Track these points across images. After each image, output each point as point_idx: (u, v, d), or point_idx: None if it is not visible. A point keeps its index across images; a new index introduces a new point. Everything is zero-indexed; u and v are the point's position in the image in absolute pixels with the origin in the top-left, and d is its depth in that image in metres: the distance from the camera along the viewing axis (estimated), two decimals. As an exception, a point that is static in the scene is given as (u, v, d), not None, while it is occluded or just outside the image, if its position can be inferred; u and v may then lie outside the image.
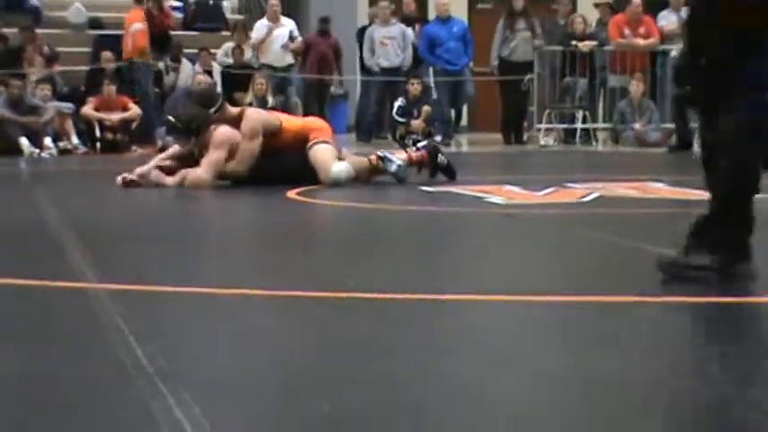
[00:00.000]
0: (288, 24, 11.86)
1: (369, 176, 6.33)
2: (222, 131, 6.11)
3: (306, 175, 6.09)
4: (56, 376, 1.89)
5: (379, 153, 6.45)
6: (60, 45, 12.13)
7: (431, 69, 11.98)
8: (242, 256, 2.91)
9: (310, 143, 6.23)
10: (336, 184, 6.04)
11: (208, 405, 1.66)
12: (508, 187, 5.80)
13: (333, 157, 6.27)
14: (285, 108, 11.20)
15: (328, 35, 12.49)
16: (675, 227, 4.41)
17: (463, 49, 11.76)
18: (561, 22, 12.15)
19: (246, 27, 12.57)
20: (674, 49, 10.75)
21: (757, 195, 2.84)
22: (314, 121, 6.77)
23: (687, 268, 2.71)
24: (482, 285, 2.80)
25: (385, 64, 11.93)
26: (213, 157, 6.03)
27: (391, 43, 11.92)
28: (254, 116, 6.32)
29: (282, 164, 6.16)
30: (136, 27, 11.26)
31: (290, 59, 11.92)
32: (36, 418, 1.63)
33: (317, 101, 12.46)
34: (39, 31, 12.06)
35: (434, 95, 11.80)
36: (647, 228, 4.29)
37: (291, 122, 6.54)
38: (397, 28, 11.94)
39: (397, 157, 6.33)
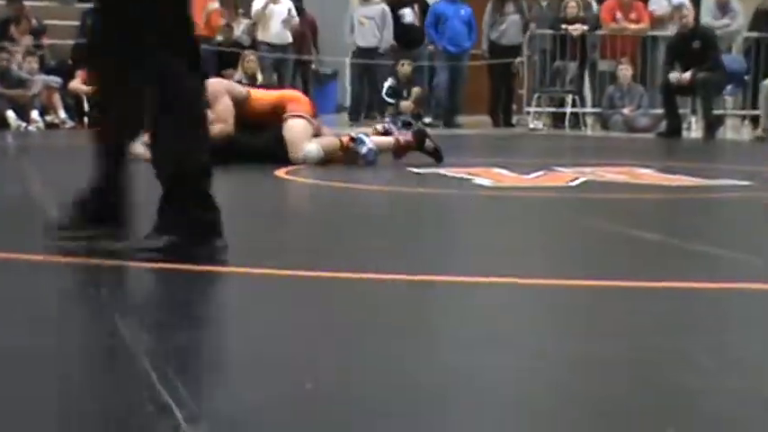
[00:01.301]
0: (286, 2, 11.80)
1: (343, 158, 6.25)
2: (212, 86, 6.10)
3: (276, 151, 5.99)
4: (37, 352, 1.88)
5: (353, 134, 6.37)
6: (48, 18, 12.06)
7: (427, 54, 11.96)
8: (229, 234, 2.90)
9: (288, 115, 6.09)
10: (305, 163, 6.01)
11: (192, 382, 1.65)
12: (497, 170, 5.81)
13: (306, 134, 6.13)
14: (279, 87, 11.18)
15: (303, 13, 12.44)
16: (663, 212, 4.44)
17: (467, 33, 11.74)
18: (543, 3, 12.15)
19: (237, 4, 12.52)
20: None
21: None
22: (291, 93, 6.59)
23: (140, 251, 2.70)
24: (469, 267, 2.81)
25: (361, 43, 11.89)
26: (220, 107, 5.98)
27: (369, 23, 11.88)
28: (213, 82, 6.28)
29: (266, 138, 6.08)
30: (213, 7, 11.44)
31: (289, 38, 11.87)
32: (15, 393, 1.62)
33: (301, 80, 12.44)
34: (26, 3, 11.99)
35: (435, 80, 11.76)
36: (634, 213, 4.30)
37: (264, 94, 6.37)
38: (378, 8, 11.88)
39: (371, 140, 6.26)
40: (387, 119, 6.61)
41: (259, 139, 6.08)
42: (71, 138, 9.36)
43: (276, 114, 6.13)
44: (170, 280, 2.63)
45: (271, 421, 1.50)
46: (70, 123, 10.52)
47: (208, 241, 2.75)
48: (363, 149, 6.18)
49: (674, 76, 10.13)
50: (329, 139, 6.29)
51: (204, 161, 2.78)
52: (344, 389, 1.66)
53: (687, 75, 10.03)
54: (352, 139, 6.23)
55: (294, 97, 6.37)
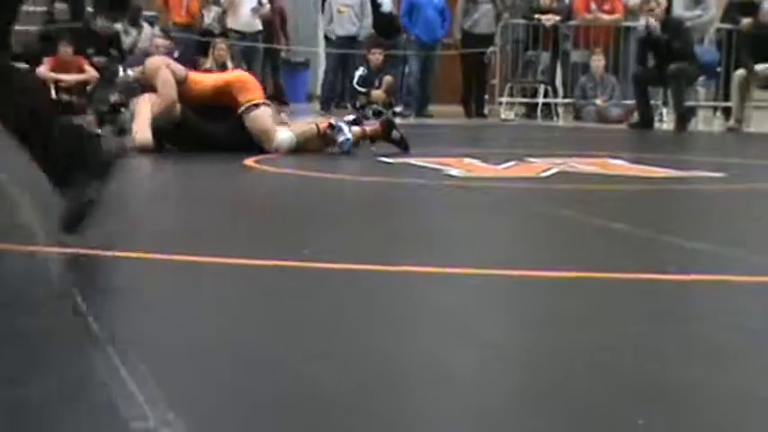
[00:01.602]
0: None
1: (318, 145, 6.22)
2: (151, 62, 6.08)
3: (243, 140, 5.92)
4: (2, 338, 1.86)
5: (332, 121, 6.30)
6: (15, 3, 11.93)
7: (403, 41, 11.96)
8: (197, 223, 2.89)
9: (245, 107, 5.99)
10: (278, 152, 5.97)
11: (157, 370, 1.64)
12: (468, 160, 5.81)
13: (273, 122, 6.09)
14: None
15: (273, 0, 12.40)
16: (634, 204, 4.45)
17: (440, 22, 11.74)
18: None
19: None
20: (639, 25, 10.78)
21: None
22: (236, 78, 6.30)
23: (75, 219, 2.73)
24: (439, 258, 2.80)
25: (340, 32, 11.85)
26: (160, 80, 5.92)
27: (348, 11, 11.84)
28: (152, 58, 6.27)
29: (227, 127, 6.03)
30: None
31: (259, 26, 11.82)
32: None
33: (271, 68, 12.39)
34: (-8, -12, 11.87)
35: (408, 69, 11.77)
36: (605, 204, 4.32)
37: (204, 78, 6.28)
38: None
39: (350, 130, 6.22)
40: (344, 119, 6.53)
41: (219, 128, 6.02)
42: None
43: (220, 99, 6.01)
44: (125, 267, 2.61)
45: (241, 412, 1.49)
46: (37, 110, 10.45)
47: (107, 151, 2.75)
48: (340, 138, 6.15)
49: (648, 23, 10.16)
50: (305, 126, 6.25)
51: (44, 100, 2.79)
52: (305, 381, 1.65)
53: (657, 24, 10.03)
54: (331, 126, 6.18)
55: (242, 83, 6.14)
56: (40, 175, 2.85)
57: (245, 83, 6.18)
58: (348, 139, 6.15)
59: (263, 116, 6.06)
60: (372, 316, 2.12)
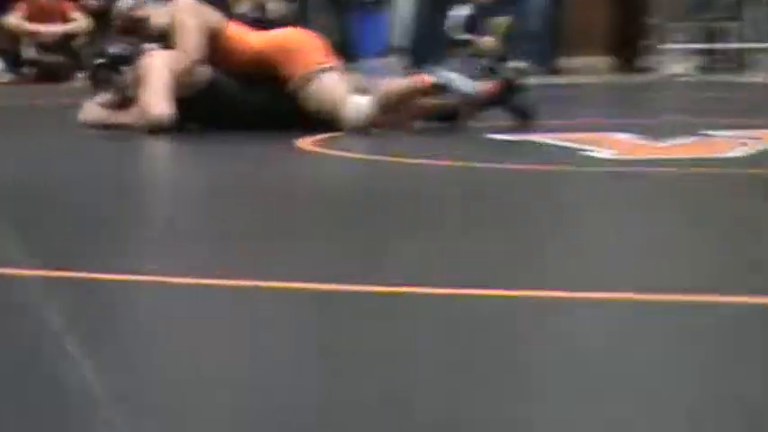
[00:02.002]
0: None
1: (413, 113, 6.20)
2: (178, 8, 6.20)
3: (295, 113, 6.03)
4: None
5: (432, 78, 6.15)
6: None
7: None
8: (223, 233, 2.91)
9: (301, 78, 6.08)
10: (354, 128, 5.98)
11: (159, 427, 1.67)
12: (620, 135, 5.81)
13: (347, 92, 6.12)
14: (301, 22, 11.21)
15: None
16: None
17: None
18: None
19: None
20: None
21: None
22: (297, 38, 6.42)
23: None
24: (574, 279, 2.80)
25: None
26: (187, 29, 6.05)
27: None
28: (180, 5, 6.32)
29: (262, 95, 6.07)
30: None
31: None
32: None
33: (334, 11, 12.45)
34: None
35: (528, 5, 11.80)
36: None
37: (253, 36, 6.34)
38: None
39: (463, 79, 6.14)
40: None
41: (262, 97, 6.07)
42: (7, 97, 9.47)
43: (264, 66, 6.13)
44: (134, 296, 2.66)
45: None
46: (8, 76, 10.63)
47: None
48: (462, 89, 6.07)
49: None
50: (394, 85, 6.22)
51: None
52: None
53: None
54: (437, 87, 6.09)
55: (302, 45, 6.26)
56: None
57: (304, 44, 6.27)
58: (464, 89, 6.05)
59: (330, 84, 6.07)
60: (453, 356, 2.13)
